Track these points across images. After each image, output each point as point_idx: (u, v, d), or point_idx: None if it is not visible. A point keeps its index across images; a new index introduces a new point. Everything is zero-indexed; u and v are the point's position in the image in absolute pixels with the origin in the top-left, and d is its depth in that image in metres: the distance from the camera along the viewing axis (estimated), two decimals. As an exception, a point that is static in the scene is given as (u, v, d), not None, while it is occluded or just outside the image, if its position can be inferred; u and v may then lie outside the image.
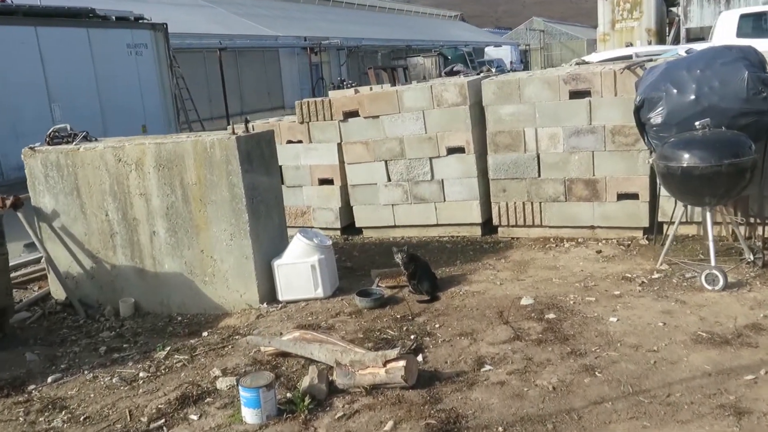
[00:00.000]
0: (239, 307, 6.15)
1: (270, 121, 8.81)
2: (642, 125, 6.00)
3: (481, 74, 9.29)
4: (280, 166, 8.40)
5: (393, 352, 4.05)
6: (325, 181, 8.39)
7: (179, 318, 6.22)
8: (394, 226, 8.05)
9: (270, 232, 6.25)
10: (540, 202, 7.19)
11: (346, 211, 8.34)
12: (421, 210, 7.82)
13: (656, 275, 5.74)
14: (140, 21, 19.24)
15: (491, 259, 6.79)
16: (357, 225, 8.29)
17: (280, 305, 6.06)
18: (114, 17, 18.24)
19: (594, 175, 6.90)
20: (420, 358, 4.55)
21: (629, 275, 5.81)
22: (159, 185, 6.14)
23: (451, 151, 7.55)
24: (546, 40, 65.57)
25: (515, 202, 7.29)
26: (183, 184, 6.06)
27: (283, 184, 8.51)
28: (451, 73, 11.71)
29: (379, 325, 5.31)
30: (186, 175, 6.03)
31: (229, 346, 5.27)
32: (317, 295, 6.09)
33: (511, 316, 5.13)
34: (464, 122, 7.36)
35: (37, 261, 7.67)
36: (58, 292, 6.70)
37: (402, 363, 4.00)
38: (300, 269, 6.06)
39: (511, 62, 48.72)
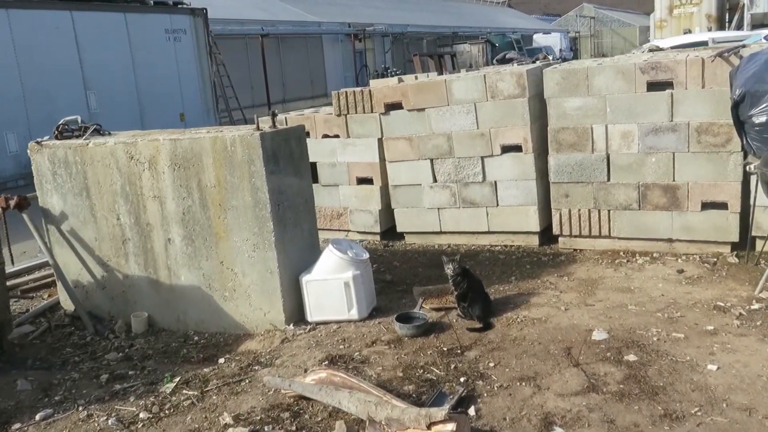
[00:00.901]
0: (263, 327, 5.40)
1: (305, 113, 8.03)
2: (741, 123, 5.03)
3: (538, 62, 8.34)
4: (315, 163, 7.65)
5: (440, 412, 3.23)
6: (364, 181, 7.58)
7: (196, 338, 5.51)
8: (440, 233, 7.21)
9: (298, 243, 5.47)
10: (608, 210, 6.25)
11: (387, 214, 7.52)
12: (470, 215, 6.95)
13: (756, 305, 4.78)
14: (179, 5, 18.67)
15: (552, 275, 5.90)
16: (398, 230, 7.47)
17: (308, 327, 5.29)
18: (152, 1, 17.70)
19: (674, 180, 5.93)
20: (472, 411, 3.72)
21: (722, 304, 4.86)
22: (174, 187, 5.42)
23: (506, 149, 6.65)
24: (596, 27, 63.40)
25: (579, 210, 6.37)
26: (201, 187, 5.32)
27: (317, 182, 7.75)
28: (504, 61, 10.73)
29: (422, 359, 4.49)
30: (204, 176, 5.29)
31: (247, 380, 4.51)
32: (351, 317, 5.30)
33: (581, 356, 4.25)
34: (522, 117, 6.46)
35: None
36: (68, 303, 6.05)
37: (451, 427, 3.18)
38: (331, 286, 5.28)
39: (561, 50, 47.06)
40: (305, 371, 4.38)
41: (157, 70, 17.49)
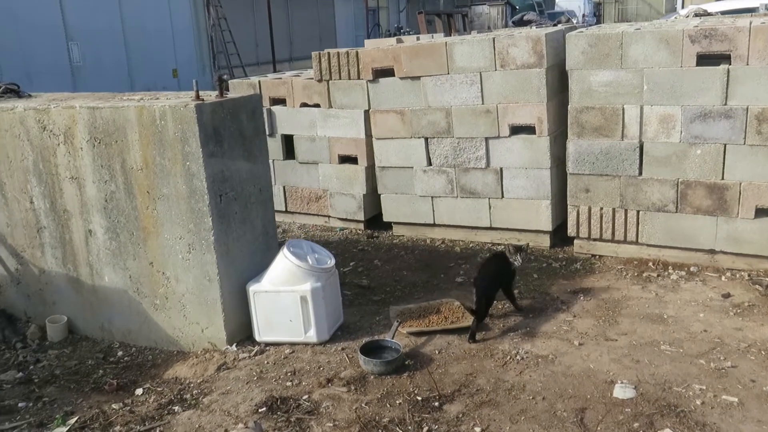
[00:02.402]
0: (200, 344, 4.35)
1: (283, 77, 6.85)
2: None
3: (560, 25, 7.09)
4: (291, 136, 6.51)
5: None
6: (347, 159, 6.44)
7: (120, 353, 4.47)
8: (433, 225, 6.08)
9: (247, 244, 4.37)
10: (638, 211, 5.09)
11: (373, 199, 6.39)
12: (469, 207, 5.81)
13: (832, 354, 3.65)
14: (174, -50, 17.32)
15: (564, 290, 4.77)
16: (385, 219, 6.35)
17: (255, 349, 4.23)
18: (143, -55, 16.36)
19: (723, 178, 4.75)
20: None
21: (786, 349, 3.73)
22: (95, 167, 4.32)
23: (516, 130, 5.48)
24: (622, -9, 60.92)
25: (602, 208, 5.20)
26: (125, 169, 4.22)
27: (293, 159, 6.62)
28: (521, 23, 9.44)
29: (387, 413, 3.41)
30: (129, 155, 4.18)
31: (159, 429, 3.46)
32: (308, 340, 4.22)
33: (600, 426, 3.15)
34: (537, 92, 5.26)
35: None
36: (-22, 298, 5.01)
37: None
38: (285, 301, 4.19)
39: (584, 15, 45.02)
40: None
41: (148, 20, 16.23)
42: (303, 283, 4.14)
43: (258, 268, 4.35)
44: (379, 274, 5.39)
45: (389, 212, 6.27)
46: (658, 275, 4.89)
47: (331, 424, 3.35)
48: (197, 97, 4.12)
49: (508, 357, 3.87)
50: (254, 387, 3.79)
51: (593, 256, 5.35)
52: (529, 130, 5.41)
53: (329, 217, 6.69)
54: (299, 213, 6.86)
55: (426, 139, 5.82)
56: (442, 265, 5.44)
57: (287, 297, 4.17)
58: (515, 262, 4.34)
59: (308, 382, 3.79)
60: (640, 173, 5.01)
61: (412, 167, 5.97)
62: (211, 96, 4.27)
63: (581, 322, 4.24)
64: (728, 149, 4.69)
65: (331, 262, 4.33)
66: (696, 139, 4.76)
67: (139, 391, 3.93)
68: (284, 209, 6.91)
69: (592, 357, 3.79)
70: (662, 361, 3.68)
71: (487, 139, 5.54)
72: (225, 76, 4.36)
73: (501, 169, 5.57)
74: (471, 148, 5.63)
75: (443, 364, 3.86)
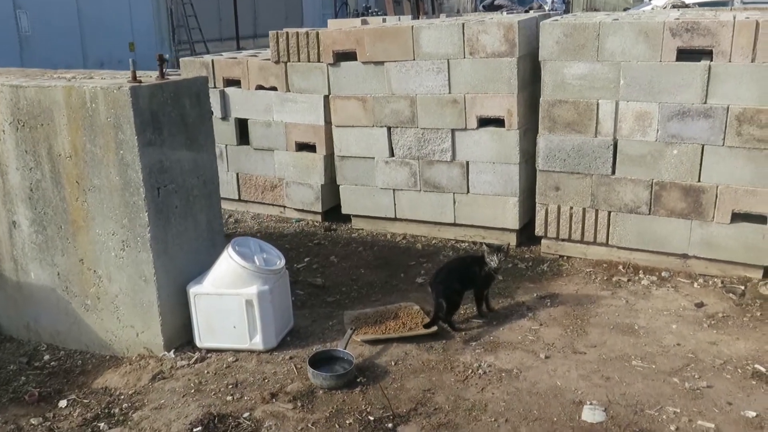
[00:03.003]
0: (135, 350, 3.97)
1: (239, 57, 6.41)
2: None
3: (532, 12, 6.79)
4: (246, 120, 6.11)
5: None
6: (305, 147, 6.07)
7: (47, 356, 4.08)
8: (394, 219, 5.75)
9: (189, 241, 3.99)
10: (609, 211, 4.83)
11: (331, 190, 6.04)
12: (433, 201, 5.49)
13: (812, 374, 3.44)
14: None
15: (530, 293, 4.50)
16: (344, 211, 6.00)
17: (195, 356, 3.87)
18: None
19: (700, 180, 4.51)
20: None
21: (762, 369, 3.50)
22: (18, 153, 3.89)
23: (485, 122, 5.17)
24: (592, -20, 60.96)
25: (572, 207, 4.94)
26: (52, 156, 3.80)
27: (247, 144, 6.22)
28: (491, 8, 9.13)
29: (335, 436, 3.09)
30: (56, 141, 3.76)
31: (79, 451, 3.10)
32: (254, 347, 3.88)
33: (567, 455, 2.88)
34: (508, 82, 4.95)
35: None
36: None
37: None
38: (229, 305, 3.83)
39: (553, 1, 44.80)
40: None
41: (103, -10, 15.47)
42: (249, 285, 3.78)
43: (202, 267, 3.98)
44: (334, 272, 5.05)
45: (348, 204, 5.92)
46: (629, 280, 4.64)
47: (273, 449, 3.02)
48: (134, 78, 3.70)
49: (470, 371, 3.58)
50: (191, 401, 3.44)
51: (561, 257, 5.09)
52: (498, 122, 5.11)
53: (285, 207, 6.31)
54: (253, 202, 6.47)
55: (389, 128, 5.47)
56: (402, 264, 5.13)
57: (231, 301, 3.81)
58: (491, 263, 4.04)
59: (251, 396, 3.45)
60: (613, 172, 4.74)
61: (374, 158, 5.62)
62: (150, 77, 3.86)
63: (548, 332, 3.97)
64: (706, 150, 4.44)
65: (281, 262, 3.97)
66: (673, 139, 4.51)
67: (63, 403, 3.55)
68: (237, 197, 6.51)
69: (559, 372, 3.52)
70: (634, 379, 3.43)
71: (453, 130, 5.22)
72: (164, 55, 3.94)
73: (467, 162, 5.26)
74: (436, 140, 5.30)
75: (399, 377, 3.55)
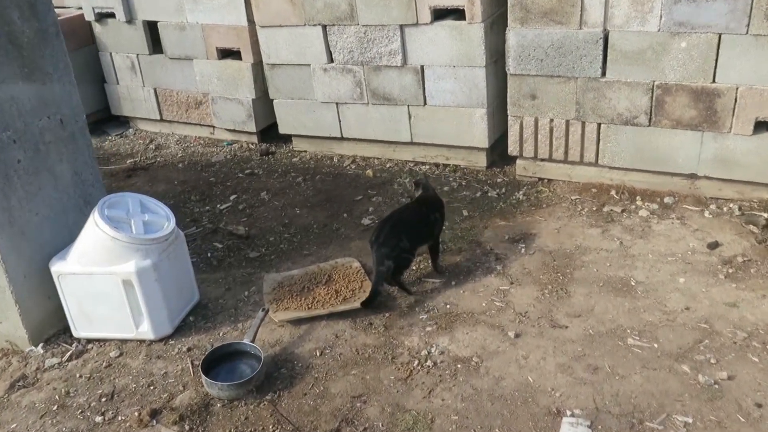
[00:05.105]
0: (-2, 343, 3.12)
1: (143, -59, 5.15)
2: None
3: None
4: (155, 23, 4.98)
5: None
6: (229, 54, 4.97)
7: None
8: (341, 139, 4.76)
9: (48, 204, 3.04)
10: (599, 123, 3.85)
11: (265, 105, 5.00)
12: (384, 116, 4.48)
13: None
14: None
15: (502, 236, 3.60)
16: (281, 131, 4.99)
17: (70, 351, 3.03)
18: None
19: (714, 80, 3.49)
20: None
21: (800, 342, 2.66)
22: None
23: (441, 14, 4.07)
24: None
25: (552, 120, 3.94)
26: None
27: (161, 53, 5.11)
28: None
29: (225, 482, 2.28)
30: None
31: None
32: (142, 336, 3.02)
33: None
34: (467, -40, 3.81)
35: None
36: None
37: None
38: (102, 286, 2.94)
39: None
40: None
41: None
42: (125, 260, 2.87)
43: (71, 235, 3.05)
44: (263, 215, 4.13)
45: (285, 122, 4.91)
46: (623, 210, 3.73)
47: (140, 507, 2.22)
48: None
49: (416, 362, 2.73)
50: (49, 426, 2.62)
51: (541, 180, 4.15)
52: (458, 14, 4.01)
53: (214, 128, 5.29)
54: (178, 122, 5.44)
55: (324, 27, 4.37)
56: (347, 199, 4.20)
57: (104, 281, 2.92)
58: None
59: (127, 414, 2.63)
60: (604, 74, 3.71)
61: (309, 65, 4.55)
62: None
63: (520, 294, 3.10)
64: (724, 41, 3.39)
65: (169, 225, 3.03)
66: (680, 27, 3.45)
67: None
68: (159, 117, 5.47)
69: (531, 361, 2.68)
70: (629, 368, 2.59)
71: (402, 27, 4.13)
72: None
73: (422, 67, 4.21)
74: (382, 40, 4.21)
75: (324, 376, 2.71)
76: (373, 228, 3.42)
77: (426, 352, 2.78)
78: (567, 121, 3.92)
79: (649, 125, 3.72)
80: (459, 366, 2.69)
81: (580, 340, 2.76)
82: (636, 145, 3.80)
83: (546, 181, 4.14)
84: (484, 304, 3.06)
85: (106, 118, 5.79)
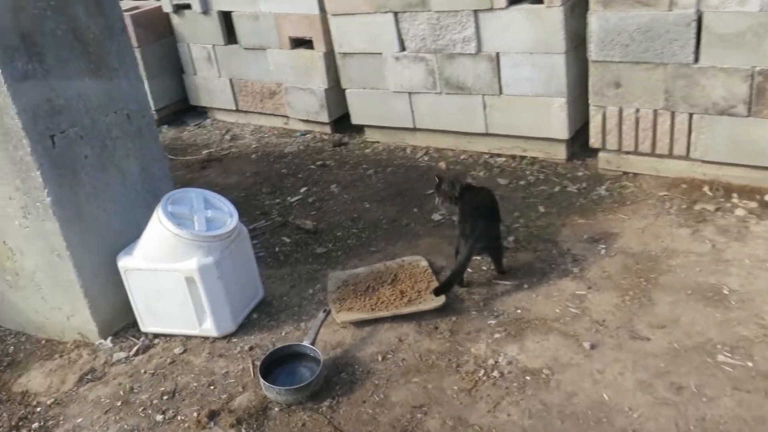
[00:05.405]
0: (70, 335, 3.20)
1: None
2: None
3: None
4: (229, 14, 4.98)
5: None
6: (302, 43, 4.91)
7: (-22, 340, 3.34)
8: (414, 129, 4.62)
9: (115, 199, 3.07)
10: (690, 113, 3.53)
11: (338, 95, 4.91)
12: (458, 107, 4.31)
13: None
14: None
15: (580, 235, 3.37)
16: (353, 121, 4.90)
17: (137, 346, 3.05)
18: None
19: (826, 65, 3.13)
20: None
21: None
22: None
23: (517, -2, 3.86)
24: None
25: (638, 109, 3.66)
26: None
27: (236, 43, 5.11)
28: None
29: (278, 493, 2.21)
30: None
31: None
32: (206, 333, 3.00)
33: None
34: (547, -61, 3.57)
35: None
36: None
37: None
38: (166, 283, 2.93)
39: None
40: None
41: None
42: (187, 258, 2.85)
43: (140, 229, 3.05)
44: (333, 208, 4.05)
45: (357, 113, 4.81)
46: (717, 209, 3.42)
47: None
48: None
49: (482, 371, 2.58)
50: (112, 423, 2.63)
51: (625, 174, 3.88)
52: (536, -2, 3.78)
53: (288, 118, 5.25)
54: (253, 113, 5.44)
55: (395, 14, 4.22)
56: (418, 192, 4.06)
57: (168, 277, 2.91)
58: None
59: (186, 414, 2.61)
60: (696, 59, 3.40)
61: (381, 53, 4.42)
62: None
63: (598, 300, 2.89)
64: (839, 21, 3.03)
65: (232, 222, 2.98)
66: (788, 6, 3.10)
67: (-25, 411, 2.83)
68: (235, 108, 5.49)
69: (608, 376, 2.47)
70: (719, 389, 2.34)
71: (476, 12, 3.93)
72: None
73: (497, 54, 4.00)
74: (455, 26, 4.03)
75: (385, 383, 2.60)
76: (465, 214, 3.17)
77: (493, 362, 2.62)
78: (655, 111, 3.62)
79: (748, 115, 3.38)
80: (528, 378, 2.52)
81: (664, 355, 2.53)
82: (732, 137, 3.47)
83: (631, 175, 3.86)
84: (557, 310, 2.86)
85: (185, 109, 5.87)
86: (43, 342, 3.25)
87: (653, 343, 2.60)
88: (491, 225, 3.03)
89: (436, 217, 3.76)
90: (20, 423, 2.74)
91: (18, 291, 3.21)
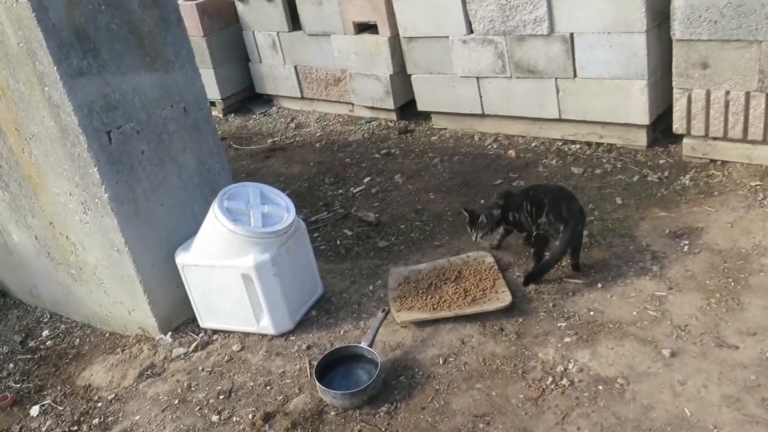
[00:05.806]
0: (132, 329, 3.21)
1: None
2: None
3: None
4: (293, 0, 4.90)
5: None
6: (366, 28, 4.77)
7: (45, 332, 3.47)
8: (482, 116, 4.42)
9: (172, 194, 3.03)
10: (788, 95, 3.21)
11: (404, 81, 4.76)
12: (529, 91, 4.08)
13: None
14: None
15: (661, 229, 3.12)
16: (419, 107, 4.74)
17: (196, 342, 3.01)
18: None
19: None
20: None
21: None
22: (-48, 94, 3.01)
23: (594, -27, 3.58)
24: None
25: (728, 92, 3.35)
26: (-17, 96, 2.88)
27: (300, 30, 5.03)
28: None
29: (331, 504, 2.12)
30: (-19, 77, 2.82)
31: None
32: (263, 330, 2.93)
33: None
34: None
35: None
36: None
37: None
38: (222, 279, 2.87)
39: None
40: None
41: None
42: (243, 254, 2.78)
43: (198, 224, 3.00)
44: (396, 199, 3.91)
45: (423, 99, 4.64)
46: (817, 200, 3.10)
47: None
48: (48, -20, 2.61)
49: (550, 379, 2.40)
50: (168, 422, 2.60)
51: (712, 162, 3.57)
52: (614, -29, 3.50)
53: (353, 105, 5.14)
54: (318, 100, 5.35)
55: (462, -5, 4.02)
56: (485, 183, 3.88)
57: (225, 274, 2.85)
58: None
59: (242, 415, 2.55)
60: (796, 35, 3.07)
61: (447, 37, 4.23)
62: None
63: (680, 302, 2.65)
64: None
65: (288, 217, 2.89)
66: None
67: (34, 411, 2.88)
68: (300, 95, 5.42)
69: (690, 389, 2.25)
70: (820, 409, 2.09)
71: (548, -10, 3.69)
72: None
73: (571, 35, 3.75)
74: (526, 6, 3.80)
75: (446, 388, 2.46)
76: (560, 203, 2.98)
77: (562, 368, 2.44)
78: (747, 93, 3.31)
79: None
80: (600, 388, 2.33)
81: (754, 366, 2.28)
82: (837, 121, 3.13)
83: (719, 163, 3.55)
84: (634, 313, 2.64)
85: (251, 97, 5.85)
86: (107, 335, 3.27)
87: (742, 352, 2.35)
88: (579, 207, 2.87)
89: (504, 209, 3.57)
90: (81, 418, 2.76)
91: (82, 284, 3.23)
